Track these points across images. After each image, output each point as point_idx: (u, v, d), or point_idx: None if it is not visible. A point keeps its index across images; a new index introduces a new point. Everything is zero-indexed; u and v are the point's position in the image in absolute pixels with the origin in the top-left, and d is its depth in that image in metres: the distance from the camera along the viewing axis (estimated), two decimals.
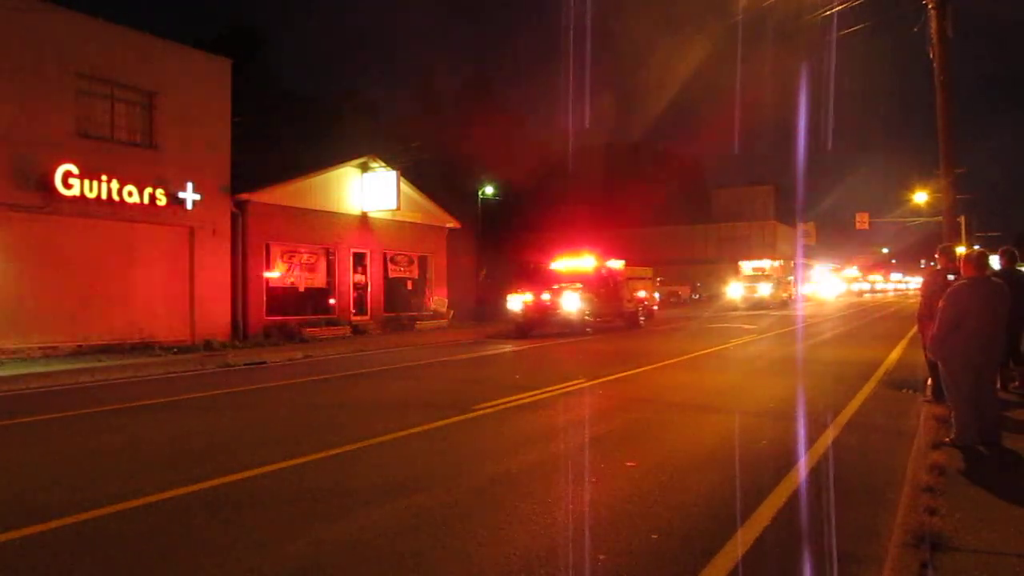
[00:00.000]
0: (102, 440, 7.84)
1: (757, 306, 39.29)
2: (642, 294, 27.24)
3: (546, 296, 21.48)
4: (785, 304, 42.42)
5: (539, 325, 21.63)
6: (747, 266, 46.47)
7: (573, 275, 23.24)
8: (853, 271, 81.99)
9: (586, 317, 21.69)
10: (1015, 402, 8.67)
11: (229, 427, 8.58)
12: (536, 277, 24.73)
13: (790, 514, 4.93)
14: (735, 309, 38.09)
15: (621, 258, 28.86)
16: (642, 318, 26.10)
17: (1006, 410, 7.69)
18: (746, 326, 25.00)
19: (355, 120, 39.38)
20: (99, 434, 8.22)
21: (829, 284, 61.43)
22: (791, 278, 58.49)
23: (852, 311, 36.26)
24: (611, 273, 24.64)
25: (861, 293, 73.30)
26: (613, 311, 23.96)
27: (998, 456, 6.21)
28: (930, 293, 8.28)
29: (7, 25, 15.67)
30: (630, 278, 26.92)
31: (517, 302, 21.77)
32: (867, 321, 28.78)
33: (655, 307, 29.28)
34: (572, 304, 21.14)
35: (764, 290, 41.09)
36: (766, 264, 45.94)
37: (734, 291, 42.14)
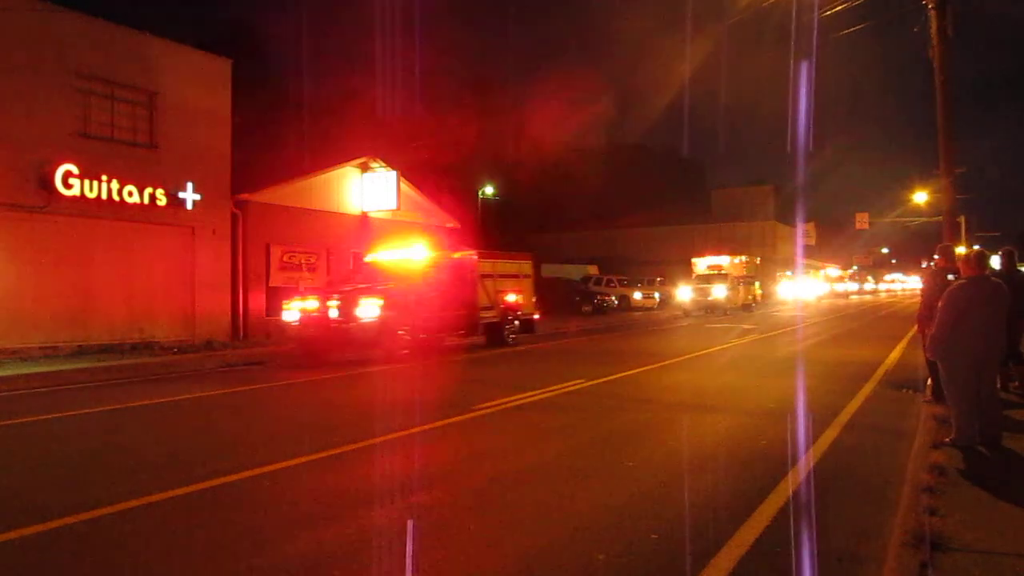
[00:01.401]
0: (102, 440, 7.83)
1: (710, 311, 33.75)
2: (511, 297, 18.70)
3: (333, 303, 14.46)
4: (748, 309, 36.27)
5: (329, 346, 14.65)
6: (701, 264, 39.73)
7: (393, 271, 16.37)
8: (836, 270, 75.59)
9: (401, 333, 14.82)
10: (1015, 402, 8.68)
11: (229, 427, 8.58)
12: (348, 275, 18.07)
13: (790, 514, 4.93)
14: (687, 315, 32.69)
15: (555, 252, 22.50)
16: (511, 335, 18.59)
17: (1006, 410, 7.69)
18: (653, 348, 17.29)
19: (355, 120, 39.38)
20: (99, 434, 8.21)
21: (810, 285, 56.68)
22: (782, 275, 56.66)
23: (829, 319, 31.60)
24: (456, 268, 17.49)
25: (847, 295, 68.72)
26: (460, 322, 17.07)
27: (998, 456, 6.22)
28: (930, 293, 8.29)
29: (7, 25, 15.66)
30: (490, 275, 18.28)
31: (294, 312, 15.02)
32: (838, 333, 24.46)
33: (535, 315, 20.27)
34: (370, 313, 14.20)
35: (718, 292, 34.49)
36: (724, 261, 39.35)
37: (683, 294, 35.40)
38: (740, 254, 41.69)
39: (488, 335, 18.36)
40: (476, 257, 18.16)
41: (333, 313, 14.38)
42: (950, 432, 6.62)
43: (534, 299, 20.16)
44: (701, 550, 4.27)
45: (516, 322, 18.96)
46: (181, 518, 5.03)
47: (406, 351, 14.85)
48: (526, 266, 20.27)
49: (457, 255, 18.30)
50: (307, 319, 14.77)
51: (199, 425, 8.70)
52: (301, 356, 15.03)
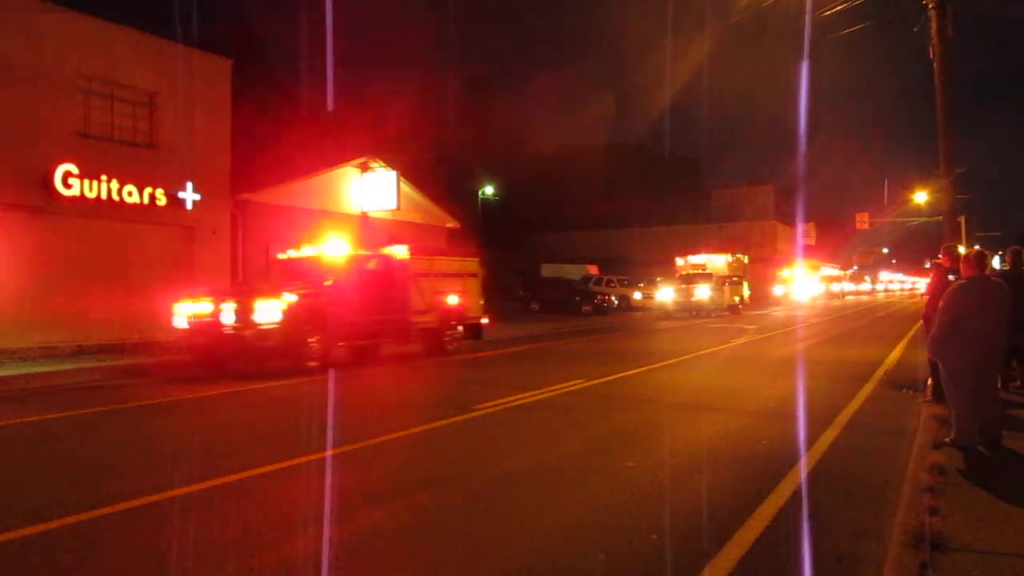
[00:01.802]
0: (102, 440, 7.83)
1: (694, 313, 31.90)
2: (452, 299, 16.58)
3: (226, 306, 12.52)
4: (735, 311, 33.98)
5: (223, 357, 12.89)
6: (686, 262, 37.32)
7: (308, 270, 14.29)
8: (833, 270, 73.22)
9: (312, 342, 12.92)
10: (1016, 402, 8.68)
11: (229, 426, 8.58)
12: (260, 274, 15.46)
13: (790, 514, 4.93)
14: (668, 317, 31.18)
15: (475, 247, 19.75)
16: (452, 343, 16.52)
17: (1007, 410, 7.68)
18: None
19: (355, 120, 39.40)
20: (99, 434, 8.21)
21: (805, 285, 54.53)
22: (779, 275, 55.30)
23: (824, 320, 30.36)
24: (384, 266, 15.28)
25: (843, 295, 67.09)
26: (388, 328, 15.02)
27: (998, 456, 6.21)
28: (936, 292, 8.29)
29: (7, 25, 15.67)
30: (426, 274, 16.15)
31: (182, 317, 13.14)
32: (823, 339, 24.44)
33: (483, 320, 18.09)
34: (269, 318, 12.29)
35: (702, 293, 32.35)
36: (709, 260, 36.84)
37: (664, 295, 33.59)
38: (727, 252, 39.26)
39: (425, 342, 16.08)
40: (408, 254, 15.77)
41: (227, 318, 12.42)
42: (950, 432, 6.62)
43: (482, 301, 18.09)
44: (701, 550, 4.26)
45: (459, 327, 16.86)
46: (183, 517, 5.02)
47: (315, 363, 12.83)
48: (471, 264, 18.10)
49: (385, 251, 15.88)
50: (197, 325, 12.83)
51: (201, 423, 8.70)
52: (195, 367, 13.11)
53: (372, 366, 14.20)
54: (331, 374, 12.40)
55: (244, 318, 12.34)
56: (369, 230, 24.87)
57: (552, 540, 4.50)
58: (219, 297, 12.93)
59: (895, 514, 4.71)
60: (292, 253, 15.33)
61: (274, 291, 12.87)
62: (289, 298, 12.61)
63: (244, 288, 13.44)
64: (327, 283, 13.72)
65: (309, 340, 12.88)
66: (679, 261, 37.53)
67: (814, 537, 4.46)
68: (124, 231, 17.62)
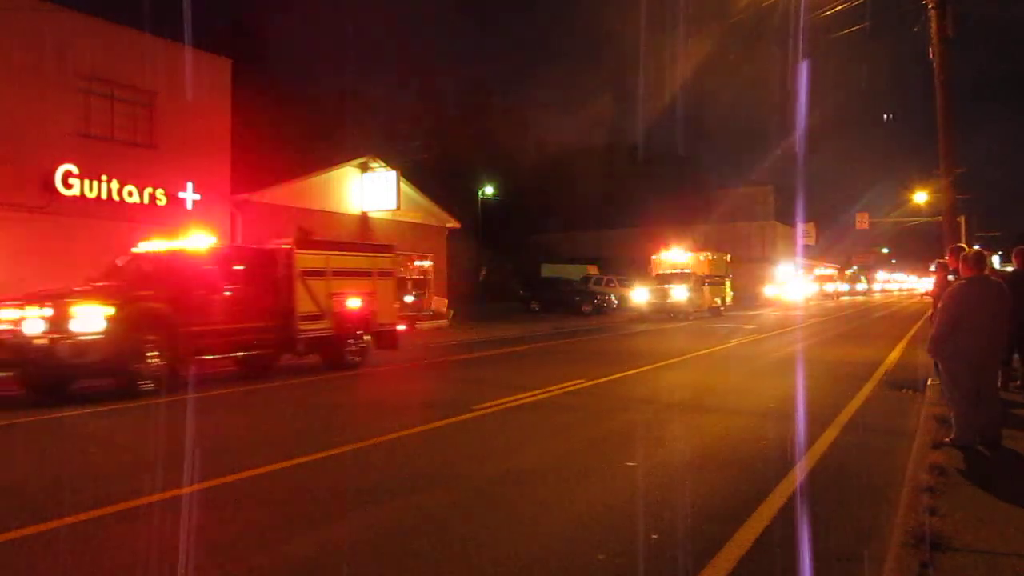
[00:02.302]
0: (103, 440, 7.83)
1: (671, 315, 29.67)
2: (354, 303, 13.84)
3: (35, 313, 9.99)
4: (716, 313, 32.22)
5: (32, 375, 10.30)
6: (663, 260, 34.84)
7: (163, 268, 11.81)
8: (826, 270, 71.09)
9: (151, 356, 10.44)
10: (1016, 402, 8.68)
11: (229, 427, 8.58)
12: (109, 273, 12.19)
13: (790, 514, 4.93)
14: (643, 320, 29.00)
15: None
16: (355, 354, 13.75)
17: (1007, 410, 7.68)
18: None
19: (355, 120, 39.41)
20: (100, 434, 8.21)
21: (799, 285, 52.66)
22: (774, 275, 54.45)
23: (820, 321, 29.64)
24: (260, 263, 12.82)
25: (837, 295, 65.71)
26: (264, 337, 12.36)
27: (998, 456, 6.21)
28: (940, 292, 8.30)
29: (7, 25, 15.68)
30: (319, 272, 13.38)
31: None
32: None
33: (400, 326, 15.45)
34: (91, 326, 9.91)
35: (679, 294, 29.82)
36: (688, 258, 34.49)
37: (638, 295, 31.43)
38: (707, 250, 37.45)
39: (322, 354, 13.53)
40: (293, 247, 13.09)
41: (35, 327, 9.90)
42: (950, 432, 6.62)
43: (397, 304, 15.43)
44: (701, 550, 4.27)
45: (365, 336, 14.13)
46: (182, 518, 5.03)
47: (152, 383, 10.31)
48: (384, 261, 15.04)
49: (267, 245, 13.53)
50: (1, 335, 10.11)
51: (201, 424, 8.70)
52: (15, 386, 10.54)
53: (242, 384, 11.69)
54: (175, 398, 10.09)
55: (58, 327, 9.87)
56: (374, 230, 24.88)
57: (552, 539, 4.50)
58: (32, 301, 10.28)
59: (895, 514, 4.71)
60: (146, 247, 12.85)
61: (97, 294, 10.52)
62: (116, 302, 10.24)
63: (70, 291, 10.82)
64: (180, 283, 11.33)
65: (148, 355, 10.45)
66: (655, 259, 35.24)
67: (814, 537, 4.46)
68: (124, 231, 17.58)
